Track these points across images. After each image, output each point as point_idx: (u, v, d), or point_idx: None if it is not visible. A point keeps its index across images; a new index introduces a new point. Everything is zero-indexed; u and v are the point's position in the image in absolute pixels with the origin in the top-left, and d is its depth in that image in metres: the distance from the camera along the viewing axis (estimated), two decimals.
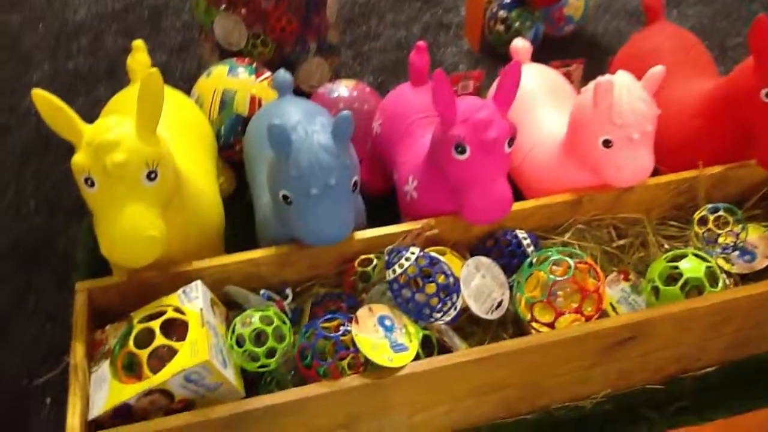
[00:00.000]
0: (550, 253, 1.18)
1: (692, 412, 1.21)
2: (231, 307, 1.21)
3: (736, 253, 1.33)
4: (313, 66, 2.21)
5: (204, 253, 1.25)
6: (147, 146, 1.06)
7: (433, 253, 1.15)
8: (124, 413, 1.01)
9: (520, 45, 1.66)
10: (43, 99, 1.04)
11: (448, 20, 2.73)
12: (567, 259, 1.15)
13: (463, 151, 1.15)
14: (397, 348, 1.06)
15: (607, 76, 1.27)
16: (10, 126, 2.17)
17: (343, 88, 1.66)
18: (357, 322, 1.07)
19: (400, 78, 2.38)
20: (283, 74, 1.50)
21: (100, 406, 1.01)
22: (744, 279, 1.32)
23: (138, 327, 1.06)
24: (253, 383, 1.12)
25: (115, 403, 1.00)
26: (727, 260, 1.33)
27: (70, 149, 1.07)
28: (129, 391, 1.01)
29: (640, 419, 1.20)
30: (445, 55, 2.54)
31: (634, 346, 1.17)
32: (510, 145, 1.18)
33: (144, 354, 1.02)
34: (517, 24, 2.42)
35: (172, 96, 1.44)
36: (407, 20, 2.73)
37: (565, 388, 1.20)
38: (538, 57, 1.74)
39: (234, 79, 1.62)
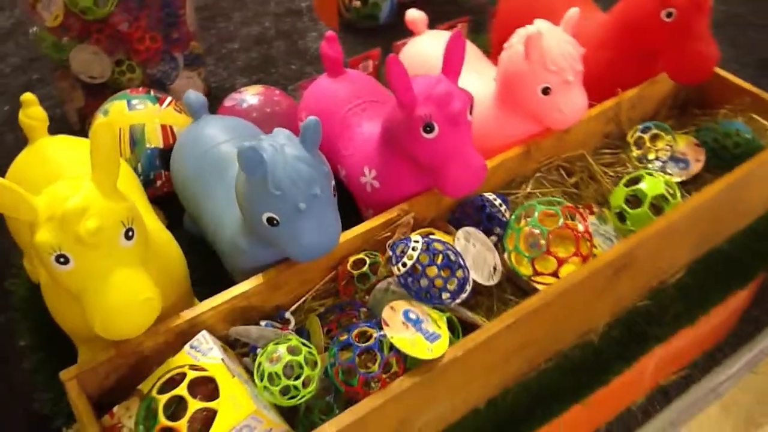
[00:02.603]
0: (533, 206, 1.21)
1: (684, 315, 1.31)
2: (233, 347, 1.14)
3: (671, 164, 1.43)
4: (184, 81, 2.09)
5: (178, 300, 1.16)
6: (116, 203, 0.95)
7: (434, 236, 1.14)
8: None
9: (416, 15, 1.65)
10: None
11: (296, 6, 2.68)
12: (554, 208, 1.18)
13: (431, 130, 1.14)
14: (432, 338, 1.04)
15: (532, 28, 1.30)
16: None
17: (250, 96, 1.58)
18: (387, 324, 1.03)
19: (272, 73, 2.32)
20: (194, 95, 1.40)
21: None
22: (683, 185, 1.43)
23: (162, 398, 0.96)
24: (287, 418, 1.06)
25: None
26: (665, 172, 1.43)
27: None
28: None
29: (646, 337, 1.28)
30: (309, 41, 2.49)
31: (626, 273, 1.23)
32: (471, 112, 1.18)
33: (182, 425, 0.93)
34: None
35: (80, 144, 1.29)
36: (255, 15, 2.64)
37: (574, 329, 1.25)
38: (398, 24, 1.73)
39: (137, 112, 1.48)
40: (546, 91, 1.31)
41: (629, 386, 1.42)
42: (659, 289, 1.35)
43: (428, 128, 1.14)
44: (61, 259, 0.92)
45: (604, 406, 1.43)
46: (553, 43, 1.28)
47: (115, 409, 1.02)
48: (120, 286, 0.94)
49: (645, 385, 1.47)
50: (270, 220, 1.06)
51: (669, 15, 1.37)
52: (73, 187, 0.94)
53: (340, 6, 2.51)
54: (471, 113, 1.18)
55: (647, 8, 1.40)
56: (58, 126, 1.73)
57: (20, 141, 1.30)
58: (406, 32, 1.70)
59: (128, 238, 0.96)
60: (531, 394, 1.21)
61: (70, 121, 2.04)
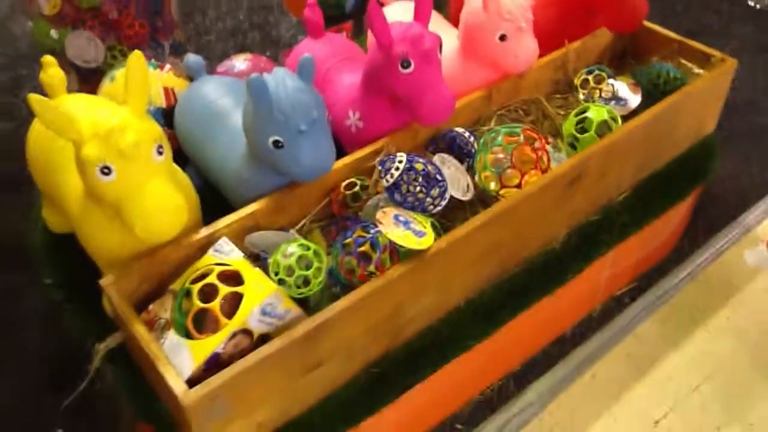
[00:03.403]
0: (497, 131, 1.41)
1: (630, 225, 1.53)
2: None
3: (613, 102, 1.65)
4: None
5: (193, 224, 1.31)
6: (149, 124, 1.12)
7: (416, 155, 1.33)
8: (213, 365, 1.09)
9: None
10: (40, 101, 1.06)
11: (267, 2, 2.87)
12: (517, 129, 1.39)
13: (408, 65, 1.34)
14: (420, 234, 1.23)
15: None
16: None
17: (240, 63, 1.75)
18: (381, 223, 1.22)
19: None
20: (194, 58, 1.58)
21: (189, 366, 1.07)
22: (624, 119, 1.65)
23: (195, 287, 1.13)
24: None
25: (205, 357, 1.07)
26: None
27: None
28: (214, 341, 1.08)
29: (599, 243, 1.49)
30: (281, 31, 2.68)
31: (579, 185, 1.44)
32: (440, 51, 1.38)
33: (215, 305, 1.10)
34: None
35: (93, 100, 1.46)
36: (229, 10, 2.83)
37: (538, 235, 1.45)
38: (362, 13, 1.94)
39: None
40: (503, 37, 1.51)
41: (588, 294, 1.63)
42: (608, 205, 1.57)
43: (405, 64, 1.33)
44: (105, 170, 1.08)
45: (569, 312, 1.64)
46: None
47: (151, 306, 1.18)
48: (156, 193, 1.11)
49: (601, 296, 1.68)
50: (275, 143, 1.24)
51: None
52: (111, 111, 1.11)
53: None
54: (440, 52, 1.38)
55: None
56: None
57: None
58: (360, 23, 1.92)
59: (159, 153, 1.13)
60: (503, 292, 1.41)
61: None
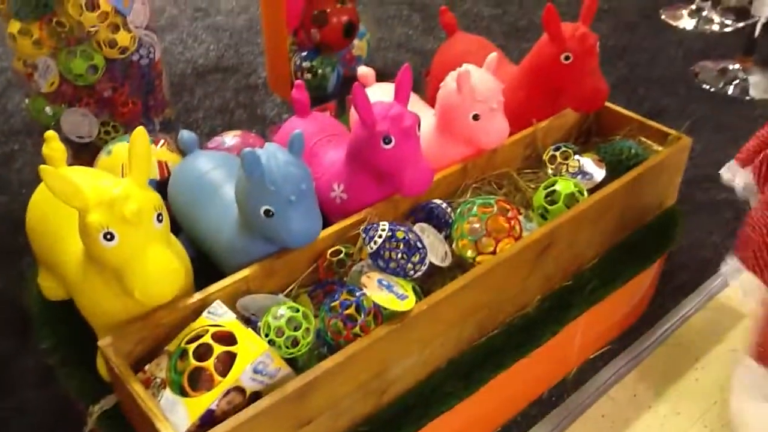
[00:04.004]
0: (473, 202, 1.51)
1: (600, 289, 1.62)
2: None
3: (579, 176, 1.77)
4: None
5: (187, 288, 1.38)
6: (150, 193, 1.21)
7: (397, 223, 1.42)
8: (207, 421, 1.13)
9: (366, 70, 1.99)
10: (49, 171, 1.14)
11: (252, 82, 3.02)
12: (491, 200, 1.49)
13: (389, 141, 1.45)
14: (402, 297, 1.31)
15: (462, 68, 1.65)
16: None
17: (230, 139, 1.87)
18: (366, 287, 1.30)
19: None
20: (187, 134, 1.68)
21: (185, 422, 1.12)
22: (590, 192, 1.76)
23: (190, 347, 1.19)
24: None
25: (200, 413, 1.12)
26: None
27: None
28: (209, 398, 1.13)
29: (570, 307, 1.58)
30: (266, 110, 2.81)
31: (550, 252, 1.54)
32: (419, 129, 1.50)
33: (210, 364, 1.16)
34: (320, 70, 2.78)
35: (92, 172, 1.55)
36: (216, 90, 2.96)
37: (513, 300, 1.53)
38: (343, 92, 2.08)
39: None
40: (476, 117, 1.64)
41: (563, 357, 1.71)
42: (578, 272, 1.66)
43: (387, 140, 1.44)
44: (108, 236, 1.16)
45: (546, 375, 1.71)
46: (479, 80, 1.63)
47: (147, 366, 1.24)
48: (155, 258, 1.18)
49: (575, 359, 1.76)
50: (267, 212, 1.33)
51: (567, 58, 1.75)
52: (115, 181, 1.20)
53: (292, 80, 2.86)
54: (419, 130, 1.50)
55: (550, 53, 1.78)
56: None
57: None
58: (343, 103, 2.06)
59: (159, 220, 1.21)
60: (482, 353, 1.48)
61: None
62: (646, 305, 1.93)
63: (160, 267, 1.18)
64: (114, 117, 2.20)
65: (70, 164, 2.21)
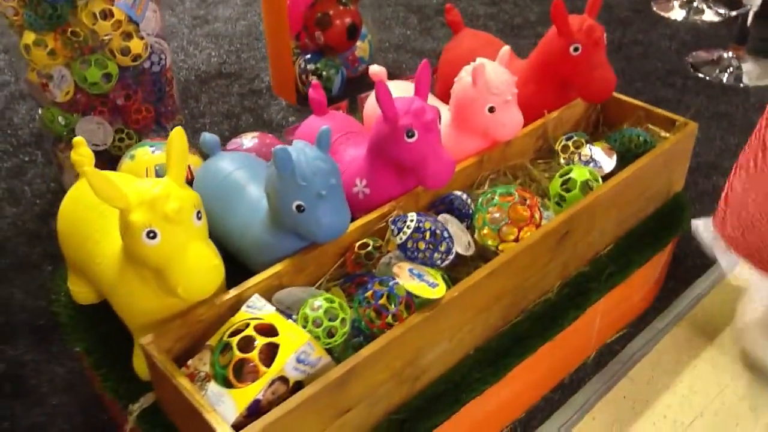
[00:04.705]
0: (492, 192, 1.56)
1: (616, 275, 1.67)
2: None
3: (591, 164, 1.82)
4: None
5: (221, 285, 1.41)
6: (189, 192, 1.24)
7: (423, 214, 1.46)
8: (254, 411, 1.17)
9: (377, 69, 2.03)
10: (93, 173, 1.17)
11: (256, 87, 3.05)
12: (511, 189, 1.54)
13: (412, 135, 1.49)
14: (433, 285, 1.35)
15: (476, 62, 1.69)
16: None
17: (248, 141, 1.90)
18: (398, 276, 1.34)
19: None
20: (209, 136, 1.71)
21: (232, 413, 1.16)
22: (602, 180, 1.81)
23: (234, 339, 1.22)
24: None
25: (246, 403, 1.16)
26: None
27: None
28: (255, 389, 1.17)
29: (590, 292, 1.62)
30: (272, 114, 2.85)
31: (569, 240, 1.58)
32: (440, 122, 1.54)
33: (254, 355, 1.19)
34: (325, 72, 2.82)
35: (120, 175, 1.58)
36: (221, 95, 2.99)
37: (535, 287, 1.58)
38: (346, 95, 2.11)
39: (159, 154, 1.78)
40: (491, 109, 1.68)
41: (583, 342, 1.75)
42: (595, 258, 1.71)
43: (410, 134, 1.48)
44: (151, 234, 1.19)
45: (567, 360, 1.75)
46: (493, 73, 1.68)
47: (190, 361, 1.27)
48: (197, 255, 1.21)
49: (595, 343, 1.80)
50: (298, 207, 1.36)
51: (576, 50, 1.80)
52: (155, 181, 1.23)
53: (297, 83, 2.90)
54: (440, 123, 1.54)
55: (559, 46, 1.82)
56: (59, 197, 1.95)
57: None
58: (353, 102, 2.09)
59: (198, 218, 1.24)
60: (508, 339, 1.52)
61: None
62: (659, 287, 1.98)
63: (201, 263, 1.21)
64: (127, 124, 2.23)
65: None
